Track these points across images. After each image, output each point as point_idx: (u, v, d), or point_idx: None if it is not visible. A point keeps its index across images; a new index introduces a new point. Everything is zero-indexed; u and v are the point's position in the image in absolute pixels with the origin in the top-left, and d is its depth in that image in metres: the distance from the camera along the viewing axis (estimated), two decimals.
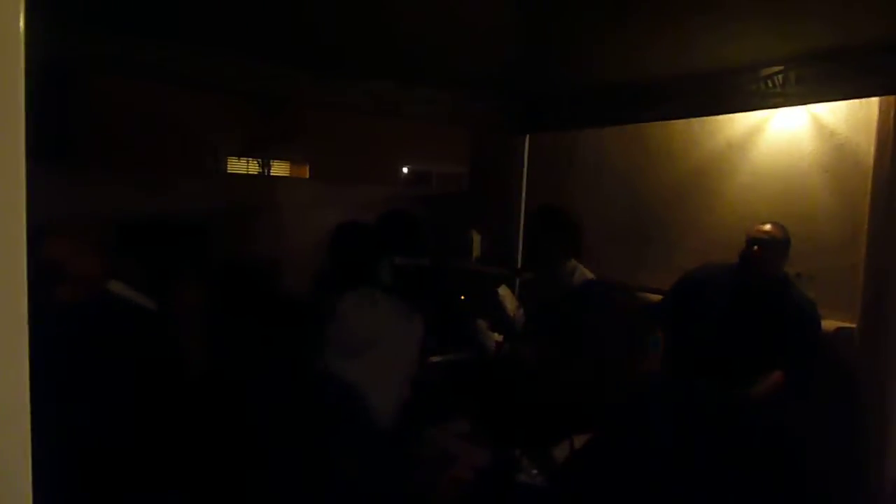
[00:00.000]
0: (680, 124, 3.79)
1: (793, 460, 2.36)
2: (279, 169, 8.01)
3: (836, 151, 3.17)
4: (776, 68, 2.89)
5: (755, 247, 2.90)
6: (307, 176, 8.06)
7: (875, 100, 2.96)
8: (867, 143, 3.04)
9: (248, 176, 7.50)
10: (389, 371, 2.61)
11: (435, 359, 3.73)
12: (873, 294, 3.02)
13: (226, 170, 7.34)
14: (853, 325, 3.06)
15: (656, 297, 3.42)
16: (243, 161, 7.61)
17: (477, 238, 5.30)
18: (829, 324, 3.01)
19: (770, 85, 2.96)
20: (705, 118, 3.61)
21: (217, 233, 4.03)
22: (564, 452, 3.12)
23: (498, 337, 3.92)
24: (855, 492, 2.91)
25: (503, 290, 4.00)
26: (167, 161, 6.12)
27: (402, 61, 3.40)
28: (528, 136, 4.45)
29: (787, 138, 3.36)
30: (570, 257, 3.21)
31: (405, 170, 8.95)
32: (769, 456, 2.41)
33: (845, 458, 2.87)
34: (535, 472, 2.50)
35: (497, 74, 3.69)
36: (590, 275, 3.17)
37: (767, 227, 2.94)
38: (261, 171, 7.69)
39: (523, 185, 4.50)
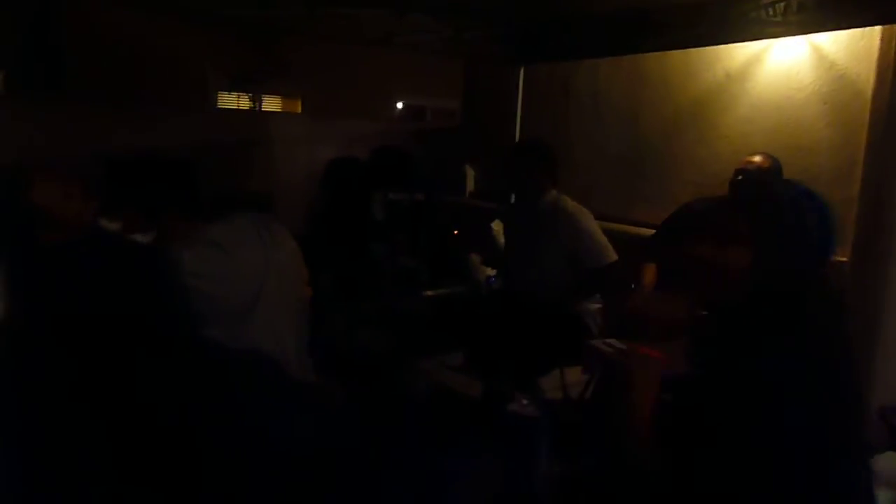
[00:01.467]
0: (678, 55, 3.70)
1: (783, 393, 2.41)
2: (270, 104, 7.85)
3: (836, 82, 3.11)
4: None
5: (740, 176, 2.91)
6: (299, 110, 7.91)
7: (877, 29, 2.89)
8: (867, 74, 2.98)
9: (238, 111, 7.36)
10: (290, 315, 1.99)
11: (429, 293, 3.77)
12: (865, 228, 3.03)
13: (216, 104, 7.18)
14: (845, 259, 3.07)
15: (649, 232, 3.43)
16: (234, 96, 7.44)
17: (471, 173, 5.28)
18: None
19: (771, 13, 2.89)
20: (704, 48, 3.52)
21: (209, 168, 4.00)
22: (554, 383, 3.19)
23: (491, 271, 3.94)
24: (845, 420, 2.98)
25: (496, 225, 4.01)
26: (156, 96, 5.98)
27: None
28: (522, 68, 4.37)
29: (786, 69, 3.29)
30: (550, 188, 3.20)
31: (399, 104, 8.78)
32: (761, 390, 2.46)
33: (834, 388, 2.92)
34: (525, 402, 2.54)
35: (491, 2, 3.58)
36: (571, 203, 3.16)
37: (756, 157, 2.94)
38: (252, 105, 7.54)
39: (517, 118, 4.44)
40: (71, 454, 1.49)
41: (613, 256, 3.08)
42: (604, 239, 3.09)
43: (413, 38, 3.82)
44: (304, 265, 2.03)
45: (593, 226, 3.11)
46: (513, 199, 4.48)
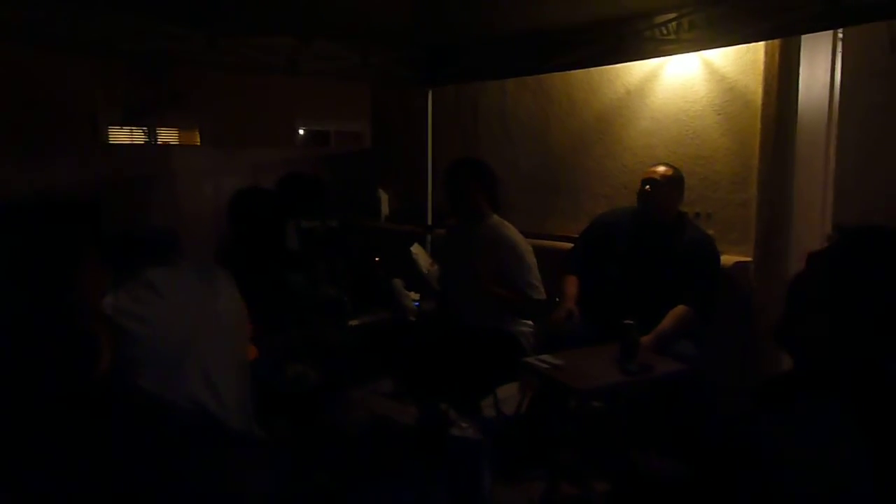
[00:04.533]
0: (580, 74, 3.85)
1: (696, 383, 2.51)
2: (167, 136, 7.54)
3: (728, 94, 3.32)
4: (670, 15, 2.98)
5: (647, 186, 3.05)
6: (198, 142, 7.65)
7: (761, 44, 3.11)
8: (755, 85, 3.20)
9: (132, 146, 7.04)
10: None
11: (354, 322, 3.70)
12: (765, 228, 3.23)
13: (107, 140, 6.82)
14: (749, 259, 3.26)
15: (566, 245, 3.51)
16: (126, 130, 7.10)
17: (385, 197, 5.25)
18: (727, 259, 3.19)
19: (665, 32, 3.05)
20: (604, 67, 3.68)
21: (105, 206, 3.79)
22: (490, 404, 3.20)
23: (415, 295, 3.92)
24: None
25: (416, 248, 4.00)
26: (40, 135, 5.62)
27: (300, 15, 3.25)
28: (431, 90, 4.41)
29: (681, 83, 3.49)
30: (490, 211, 3.24)
31: (301, 130, 8.66)
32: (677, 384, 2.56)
33: (741, 378, 3.07)
34: (465, 425, 2.54)
35: (397, 27, 3.60)
36: (512, 230, 3.21)
37: (659, 168, 3.09)
38: (147, 139, 7.22)
39: (429, 139, 4.46)
40: None
41: (544, 295, 3.14)
42: (537, 276, 3.15)
43: (319, 64, 3.77)
44: (248, 321, 1.95)
45: (533, 260, 3.16)
46: (430, 221, 4.50)
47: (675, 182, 3.10)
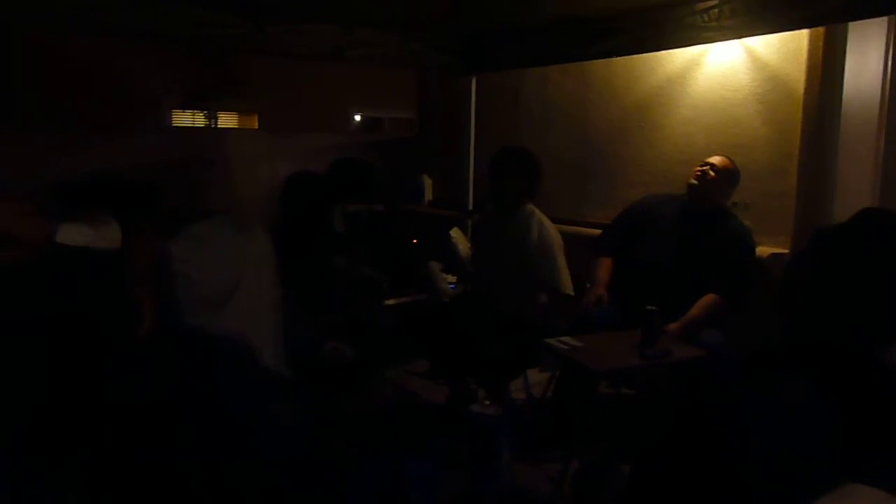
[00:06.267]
0: (621, 61, 3.84)
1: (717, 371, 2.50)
2: (226, 120, 7.81)
3: (770, 82, 3.26)
4: (711, 2, 2.95)
5: (702, 173, 3.02)
6: (256, 126, 7.89)
7: (805, 31, 3.05)
8: (798, 74, 3.14)
9: (194, 128, 7.32)
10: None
11: (390, 302, 3.81)
12: (803, 220, 3.17)
13: (170, 123, 7.12)
14: (786, 251, 3.21)
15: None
16: (189, 113, 7.39)
17: (428, 182, 5.35)
18: (763, 250, 3.16)
19: (706, 18, 3.01)
20: (645, 54, 3.66)
21: (167, 187, 3.99)
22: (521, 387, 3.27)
23: (451, 278, 4.01)
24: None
25: (455, 233, 4.07)
26: (110, 117, 5.93)
27: (344, 3, 3.36)
28: (474, 78, 4.46)
29: (722, 71, 3.44)
30: (526, 201, 3.29)
31: (357, 117, 8.82)
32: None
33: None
34: (487, 402, 2.61)
35: (440, 14, 3.66)
36: (546, 222, 3.25)
37: (717, 157, 3.10)
38: (208, 123, 7.50)
39: (471, 125, 4.52)
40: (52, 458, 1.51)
41: (571, 291, 3.19)
42: (566, 271, 3.19)
43: (363, 51, 3.88)
44: (276, 266, 2.13)
45: (562, 256, 3.21)
46: (470, 206, 4.57)
47: (730, 174, 3.07)
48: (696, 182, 3.07)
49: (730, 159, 3.08)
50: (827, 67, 3.05)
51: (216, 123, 7.55)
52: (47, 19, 3.00)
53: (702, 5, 3.00)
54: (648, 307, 2.54)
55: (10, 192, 1.88)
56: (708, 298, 2.88)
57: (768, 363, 1.23)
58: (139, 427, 1.55)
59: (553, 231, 3.24)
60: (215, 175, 4.99)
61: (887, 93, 3.08)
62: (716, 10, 2.97)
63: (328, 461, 1.75)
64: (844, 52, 3.02)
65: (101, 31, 3.37)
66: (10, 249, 1.75)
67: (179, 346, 1.75)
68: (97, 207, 2.49)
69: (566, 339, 2.62)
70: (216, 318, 1.86)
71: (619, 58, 3.76)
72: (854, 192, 3.15)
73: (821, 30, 3.03)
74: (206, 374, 1.67)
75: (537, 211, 3.29)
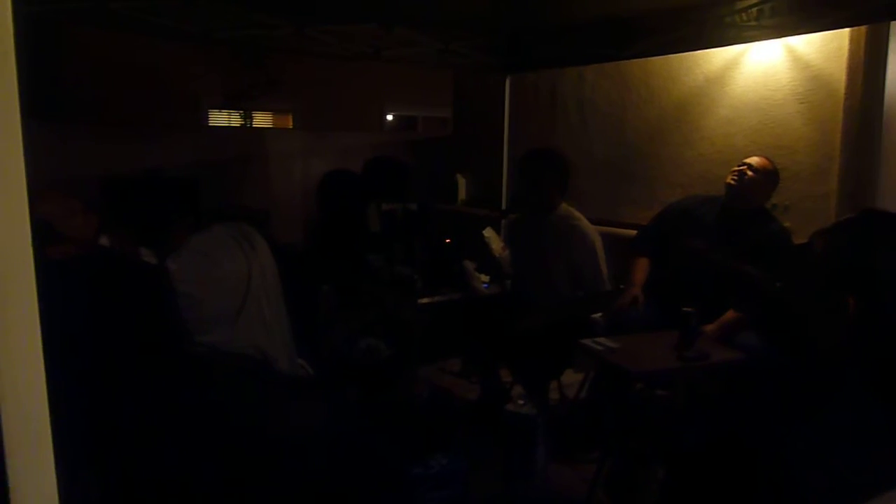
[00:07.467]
0: (659, 61, 3.81)
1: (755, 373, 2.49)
2: (262, 120, 7.93)
3: (811, 82, 3.21)
4: (752, 1, 2.92)
5: (740, 174, 2.97)
6: (290, 126, 8.00)
7: (846, 31, 3.00)
8: (839, 73, 3.09)
9: (231, 128, 7.45)
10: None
11: (424, 300, 3.84)
12: None
13: (207, 122, 7.27)
14: None
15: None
16: (224, 113, 7.53)
17: (462, 181, 5.37)
18: None
19: (746, 18, 2.99)
20: (684, 54, 3.63)
21: (207, 185, 4.08)
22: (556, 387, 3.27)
23: (485, 277, 4.02)
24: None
25: (488, 232, 4.09)
26: (149, 116, 6.07)
27: (382, 4, 3.39)
28: (509, 77, 4.46)
29: (763, 71, 3.40)
30: (560, 201, 3.30)
31: (390, 116, 8.88)
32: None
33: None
34: (521, 402, 2.62)
35: (476, 14, 3.68)
36: (582, 220, 3.25)
37: (756, 158, 3.03)
38: (243, 122, 7.62)
39: (506, 125, 4.53)
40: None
41: (608, 286, 3.18)
42: (605, 267, 3.20)
43: (401, 51, 3.91)
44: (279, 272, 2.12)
45: (602, 252, 3.21)
46: (504, 206, 4.58)
47: (769, 175, 3.02)
48: (733, 182, 3.02)
49: (769, 159, 3.04)
50: (869, 67, 3.01)
51: (252, 123, 7.68)
52: (94, 18, 3.09)
53: (742, 4, 2.97)
54: (686, 309, 2.52)
55: (59, 188, 1.93)
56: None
57: (818, 374, 1.23)
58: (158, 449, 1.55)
59: (591, 230, 3.24)
60: (252, 173, 5.09)
61: None
62: (756, 10, 2.94)
63: (362, 459, 1.76)
64: (887, 52, 2.97)
65: (146, 31, 3.46)
66: (56, 245, 1.81)
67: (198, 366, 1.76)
68: (142, 208, 2.55)
69: (602, 339, 2.62)
70: (229, 335, 1.82)
71: (656, 57, 3.73)
72: None
73: (863, 29, 2.98)
74: (230, 394, 1.69)
75: (574, 210, 3.29)
